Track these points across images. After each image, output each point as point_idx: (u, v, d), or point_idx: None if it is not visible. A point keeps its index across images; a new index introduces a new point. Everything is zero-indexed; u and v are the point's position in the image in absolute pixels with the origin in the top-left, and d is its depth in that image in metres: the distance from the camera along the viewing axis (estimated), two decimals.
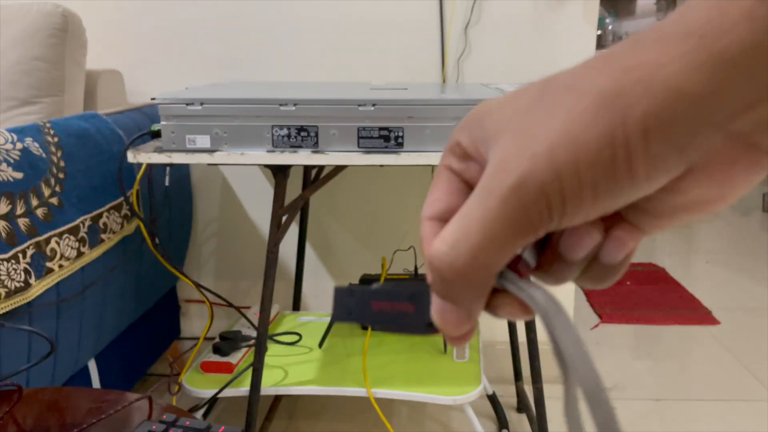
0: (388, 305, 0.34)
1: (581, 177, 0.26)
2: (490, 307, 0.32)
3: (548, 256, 0.32)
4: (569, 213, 0.27)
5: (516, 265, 0.32)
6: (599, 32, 5.70)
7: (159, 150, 1.23)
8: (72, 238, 1.25)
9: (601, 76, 0.26)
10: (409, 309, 0.33)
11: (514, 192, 0.27)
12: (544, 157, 0.26)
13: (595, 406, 0.27)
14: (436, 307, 0.31)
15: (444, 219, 0.33)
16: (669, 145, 0.25)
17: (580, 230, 0.30)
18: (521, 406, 1.81)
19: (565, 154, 0.26)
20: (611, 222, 0.31)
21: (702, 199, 0.28)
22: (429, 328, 0.33)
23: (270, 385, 1.48)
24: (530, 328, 1.47)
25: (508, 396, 1.86)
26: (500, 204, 0.27)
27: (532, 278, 0.32)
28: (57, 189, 1.23)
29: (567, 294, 2.14)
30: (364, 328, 1.73)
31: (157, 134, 1.27)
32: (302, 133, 1.22)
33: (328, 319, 1.76)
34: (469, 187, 0.33)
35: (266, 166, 1.30)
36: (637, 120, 0.25)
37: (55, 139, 1.27)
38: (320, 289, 2.08)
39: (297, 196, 1.39)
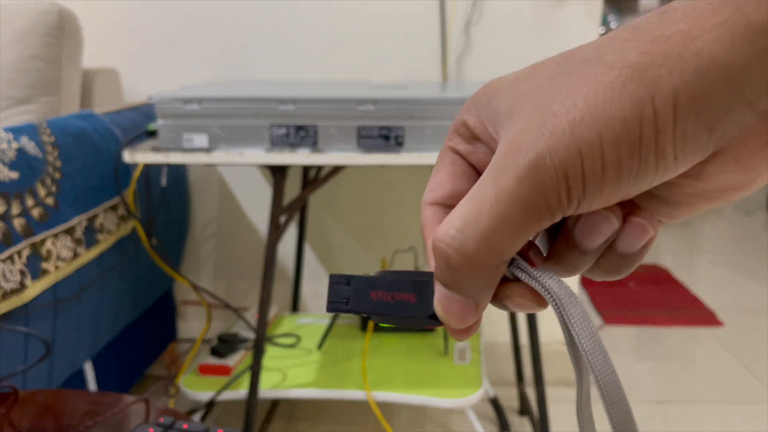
0: (387, 295, 0.31)
1: (604, 156, 0.24)
2: (498, 297, 0.30)
3: (561, 244, 0.30)
4: (589, 196, 0.25)
5: (527, 253, 0.30)
6: (602, 30, 5.73)
7: (156, 149, 1.22)
8: (68, 238, 1.24)
9: (628, 49, 0.24)
10: (410, 299, 0.31)
11: (530, 171, 0.25)
12: (564, 135, 0.24)
13: (611, 401, 0.26)
14: (440, 297, 0.30)
15: (447, 205, 0.31)
16: (700, 123, 0.24)
17: (598, 216, 0.28)
18: (523, 409, 1.80)
19: (588, 131, 0.24)
20: (628, 210, 0.29)
21: (725, 186, 0.26)
22: (431, 320, 0.31)
23: (268, 388, 1.48)
24: (532, 329, 1.46)
25: (509, 399, 1.85)
26: (515, 184, 0.25)
27: (544, 267, 0.30)
28: (53, 189, 1.22)
29: None
30: (365, 321, 1.72)
31: (153, 133, 1.26)
32: (301, 133, 1.21)
33: (328, 320, 1.76)
34: (475, 171, 0.32)
35: (265, 165, 1.29)
36: (666, 95, 0.23)
37: (52, 139, 1.26)
38: (319, 291, 2.07)
39: (296, 196, 1.38)
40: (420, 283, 0.31)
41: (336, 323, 1.76)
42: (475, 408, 1.52)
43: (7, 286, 1.07)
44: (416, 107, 1.20)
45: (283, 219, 1.34)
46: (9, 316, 1.08)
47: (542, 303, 0.29)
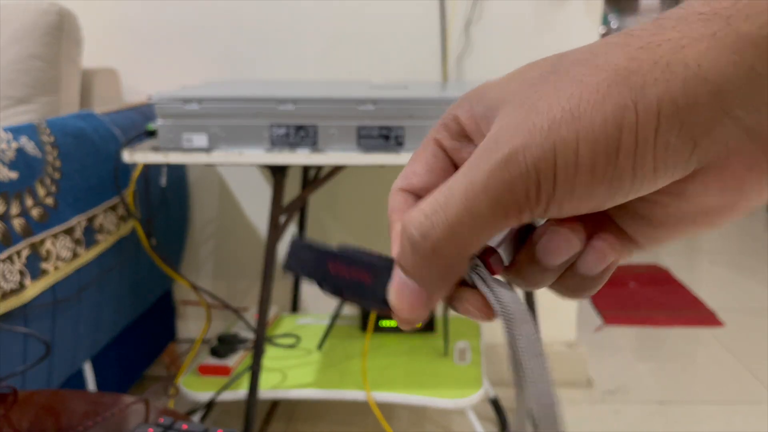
0: (345, 270, 0.31)
1: (579, 157, 0.23)
2: (451, 298, 0.30)
3: (523, 256, 0.30)
4: (559, 196, 0.25)
5: (488, 259, 0.30)
6: (602, 30, 5.73)
7: (155, 149, 1.22)
8: (67, 238, 1.24)
9: (618, 53, 0.24)
10: (366, 279, 0.31)
11: (503, 165, 0.24)
12: (542, 131, 0.24)
13: (546, 428, 0.25)
14: (396, 284, 0.29)
15: (419, 195, 0.31)
16: (682, 135, 0.23)
17: (561, 235, 0.28)
18: None
19: (566, 130, 0.23)
20: (598, 227, 0.29)
21: (709, 207, 0.26)
22: (382, 304, 0.30)
23: (268, 388, 1.48)
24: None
25: (510, 399, 1.85)
26: (486, 177, 0.25)
27: (503, 278, 0.30)
28: (52, 189, 1.22)
29: None
30: (364, 321, 1.72)
31: (153, 133, 1.26)
32: (301, 132, 1.21)
33: (328, 321, 1.75)
34: (454, 168, 0.31)
35: (264, 165, 1.29)
36: (650, 102, 0.23)
37: (51, 139, 1.26)
38: (319, 291, 2.06)
39: (296, 196, 1.38)
40: (379, 267, 0.31)
41: (336, 324, 1.76)
42: (476, 408, 1.52)
43: (7, 287, 1.06)
44: (416, 107, 1.20)
45: (283, 219, 1.34)
46: (8, 316, 1.08)
47: (490, 315, 0.29)
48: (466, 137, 0.30)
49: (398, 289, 0.29)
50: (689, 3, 0.24)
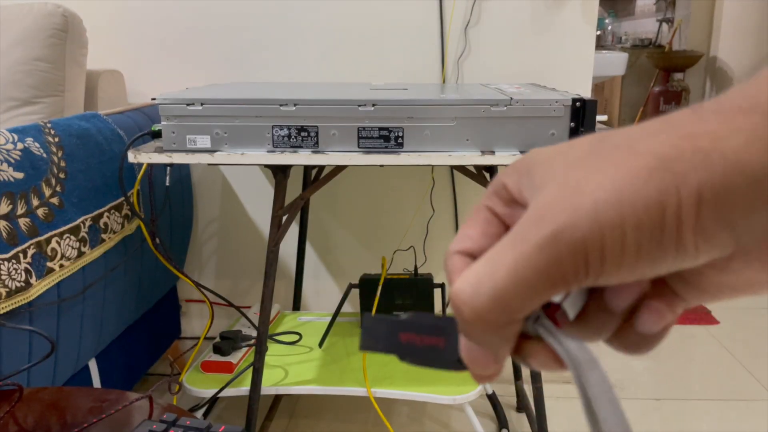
0: (416, 338, 0.33)
1: (625, 238, 0.25)
2: (521, 353, 0.31)
3: (590, 305, 0.31)
4: (606, 273, 0.26)
5: (554, 315, 0.31)
6: (598, 32, 5.71)
7: (159, 150, 1.23)
8: (73, 238, 1.25)
9: (659, 140, 0.25)
10: (438, 343, 0.32)
11: (551, 241, 0.25)
12: (588, 211, 0.25)
13: None
14: (464, 346, 0.31)
15: (473, 256, 0.32)
16: (721, 221, 0.24)
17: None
18: (521, 406, 1.81)
19: (612, 211, 0.24)
20: (655, 286, 0.30)
21: (751, 281, 0.27)
22: (458, 364, 0.32)
23: (270, 385, 1.48)
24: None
25: (507, 395, 1.86)
26: (534, 251, 0.26)
27: (567, 329, 0.30)
28: (58, 189, 1.23)
29: None
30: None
31: (157, 134, 1.27)
32: (302, 133, 1.22)
33: (328, 318, 1.77)
34: (506, 232, 0.32)
35: (266, 166, 1.30)
36: (691, 189, 0.24)
37: (56, 139, 1.27)
38: (320, 289, 2.08)
39: (297, 196, 1.39)
40: (448, 329, 0.32)
41: (337, 321, 1.77)
42: (474, 404, 1.53)
43: (13, 285, 1.07)
44: (416, 108, 1.21)
45: (284, 218, 1.35)
46: (14, 314, 1.09)
47: (561, 365, 0.30)
48: (515, 203, 0.31)
49: (466, 352, 0.30)
50: (729, 96, 0.25)
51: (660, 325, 0.30)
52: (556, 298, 0.30)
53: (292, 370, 1.56)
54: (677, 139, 0.25)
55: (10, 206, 1.10)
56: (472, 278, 0.28)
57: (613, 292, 0.29)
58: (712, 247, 0.25)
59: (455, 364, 0.32)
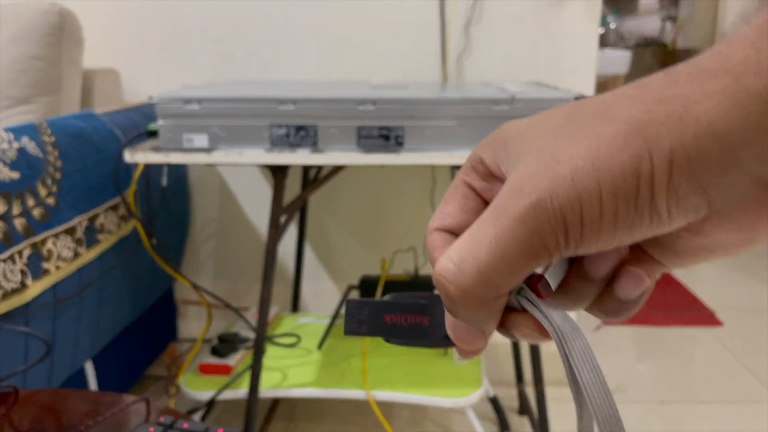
0: (401, 318, 0.33)
1: (603, 205, 0.25)
2: (506, 327, 0.31)
3: (572, 272, 0.31)
4: (586, 241, 0.26)
5: (536, 285, 0.31)
6: (601, 30, 5.72)
7: (156, 149, 1.22)
8: (69, 238, 1.24)
9: (633, 105, 0.25)
10: (423, 322, 0.32)
11: (531, 213, 0.26)
12: (566, 180, 0.25)
13: None
14: (449, 325, 0.31)
15: (454, 233, 0.32)
16: (693, 184, 0.24)
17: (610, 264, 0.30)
18: (523, 409, 1.80)
19: (588, 179, 0.25)
20: (633, 253, 0.30)
21: (725, 243, 0.27)
22: (445, 341, 0.32)
23: (268, 388, 1.48)
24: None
25: (509, 398, 1.85)
26: (515, 224, 0.26)
27: (550, 300, 0.31)
28: (53, 189, 1.22)
29: None
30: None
31: (154, 133, 1.27)
32: (301, 133, 1.21)
33: (328, 320, 1.76)
34: (485, 207, 0.32)
35: (265, 165, 1.30)
36: (663, 153, 0.24)
37: (52, 139, 1.26)
38: (319, 291, 2.07)
39: (296, 196, 1.38)
40: (432, 307, 0.32)
41: (336, 323, 1.76)
42: (475, 408, 1.52)
43: (8, 286, 1.07)
44: (416, 107, 1.20)
45: (283, 219, 1.34)
46: (9, 315, 1.08)
47: (547, 335, 0.30)
48: (492, 178, 0.31)
49: (452, 329, 0.31)
50: (700, 59, 0.25)
51: (639, 290, 0.30)
52: (538, 270, 0.30)
53: (290, 372, 1.55)
54: (651, 104, 0.25)
55: (6, 206, 1.09)
56: (455, 256, 0.28)
57: (593, 260, 0.30)
58: (686, 210, 0.25)
59: (442, 341, 0.32)
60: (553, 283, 0.31)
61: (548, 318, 0.29)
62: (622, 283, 0.30)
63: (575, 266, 0.31)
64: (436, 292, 0.31)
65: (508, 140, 0.29)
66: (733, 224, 0.26)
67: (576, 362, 0.27)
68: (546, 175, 0.26)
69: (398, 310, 0.33)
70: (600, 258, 0.30)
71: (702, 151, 0.24)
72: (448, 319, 0.31)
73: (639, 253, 0.30)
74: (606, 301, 0.31)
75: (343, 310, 1.74)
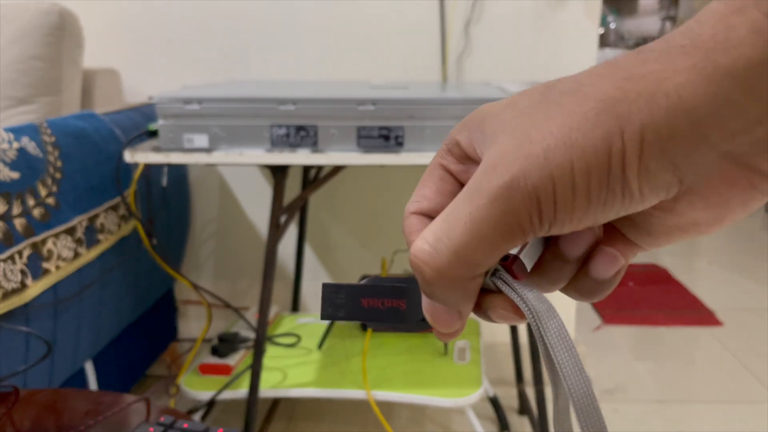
0: (378, 302, 0.33)
1: (575, 183, 0.25)
2: (482, 308, 0.31)
3: (547, 252, 0.32)
4: (560, 219, 0.26)
5: (511, 267, 0.31)
6: (601, 30, 5.72)
7: (156, 149, 1.22)
8: (69, 238, 1.24)
9: (604, 83, 0.25)
10: (400, 305, 0.32)
11: (504, 192, 0.26)
12: (538, 159, 0.25)
13: (585, 416, 0.26)
14: (426, 305, 0.31)
15: (430, 216, 0.32)
16: (664, 161, 0.25)
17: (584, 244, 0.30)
18: (523, 409, 1.80)
19: (561, 157, 0.25)
20: (607, 233, 0.31)
21: (697, 220, 0.28)
22: (421, 324, 0.32)
23: (269, 387, 1.48)
24: (532, 330, 1.47)
25: (509, 398, 1.85)
26: (489, 203, 0.26)
27: (526, 281, 0.31)
28: (54, 189, 1.22)
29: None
30: (363, 327, 1.72)
31: (154, 134, 1.27)
32: (301, 133, 1.21)
33: (328, 320, 1.76)
34: (461, 189, 0.32)
35: (265, 165, 1.30)
36: (634, 130, 0.24)
37: (52, 139, 1.26)
38: (319, 290, 2.06)
39: (296, 196, 1.38)
40: (408, 290, 0.32)
41: (336, 323, 1.76)
42: (475, 407, 1.52)
43: (8, 286, 1.07)
44: (416, 107, 1.20)
45: (283, 219, 1.34)
46: (10, 315, 1.08)
47: (523, 315, 0.30)
48: (468, 160, 0.31)
49: (429, 311, 0.31)
50: (671, 36, 0.25)
51: (613, 270, 0.31)
52: (513, 251, 0.30)
53: (290, 372, 1.55)
54: (622, 81, 0.25)
55: (6, 206, 1.09)
56: (430, 237, 0.28)
57: (568, 240, 0.30)
58: (657, 187, 0.25)
59: (419, 324, 0.32)
60: (528, 264, 0.31)
61: (523, 298, 0.29)
62: (597, 263, 0.30)
63: (550, 247, 0.31)
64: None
65: (483, 121, 0.30)
66: (705, 201, 0.26)
67: (551, 342, 0.27)
68: (519, 153, 0.26)
69: (375, 294, 0.33)
70: (575, 238, 0.30)
71: (672, 128, 0.24)
72: (425, 302, 0.31)
73: (613, 234, 0.30)
74: (581, 281, 0.31)
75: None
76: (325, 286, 0.34)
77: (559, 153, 0.25)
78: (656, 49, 0.25)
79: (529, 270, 0.31)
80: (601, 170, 0.25)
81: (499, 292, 0.31)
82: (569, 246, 0.30)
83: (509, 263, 0.31)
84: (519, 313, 0.30)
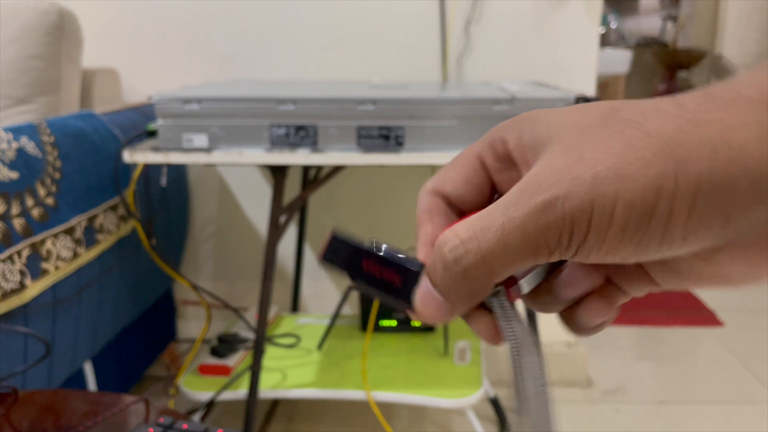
0: (377, 269, 0.33)
1: (614, 214, 0.25)
2: (468, 315, 0.32)
3: (543, 284, 0.32)
4: (588, 246, 0.26)
5: (509, 287, 0.31)
6: (602, 30, 5.72)
7: (155, 149, 1.22)
8: (68, 238, 1.24)
9: (668, 122, 0.25)
10: (396, 281, 0.32)
11: (541, 210, 0.26)
12: (584, 183, 0.25)
13: None
14: (423, 292, 0.31)
15: (447, 200, 0.32)
16: (716, 213, 0.24)
17: (579, 272, 0.31)
18: None
19: (607, 186, 0.25)
20: (603, 284, 0.31)
21: (731, 274, 0.27)
22: (407, 306, 0.32)
23: (268, 388, 1.48)
24: (532, 330, 1.46)
25: (509, 399, 1.85)
26: (524, 217, 0.26)
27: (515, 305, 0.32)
28: (53, 189, 1.22)
29: None
30: (364, 321, 1.72)
31: (153, 133, 1.26)
32: (301, 132, 1.21)
33: (327, 321, 1.76)
34: (490, 186, 0.32)
35: (264, 165, 1.29)
36: (690, 178, 0.24)
37: (51, 139, 1.26)
38: (319, 291, 2.07)
39: (296, 196, 1.38)
40: (409, 271, 0.32)
41: (336, 324, 1.76)
42: (475, 408, 1.52)
43: (7, 286, 1.07)
44: (416, 107, 1.20)
45: (282, 219, 1.34)
46: (9, 316, 1.08)
47: (497, 340, 0.31)
48: (508, 160, 0.31)
49: (424, 297, 0.31)
50: (741, 85, 0.25)
51: (599, 320, 0.31)
52: (517, 272, 0.31)
53: (290, 373, 1.55)
54: (686, 124, 0.25)
55: (5, 206, 1.09)
56: (463, 234, 0.28)
57: (565, 282, 0.31)
58: (703, 237, 0.25)
59: (405, 305, 0.32)
60: (526, 289, 0.32)
61: (511, 328, 0.29)
62: (584, 312, 0.31)
63: (548, 280, 0.32)
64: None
65: (537, 125, 0.29)
66: (746, 257, 0.26)
67: (526, 377, 0.28)
68: (567, 174, 0.26)
69: (376, 261, 0.33)
70: (571, 283, 0.31)
71: (731, 181, 0.23)
72: (423, 288, 0.31)
73: (607, 286, 0.31)
74: (569, 318, 0.32)
75: (340, 312, 1.74)
76: (335, 234, 0.34)
77: (607, 182, 0.25)
78: (726, 98, 0.25)
79: (524, 294, 0.32)
80: (645, 209, 0.24)
81: (488, 309, 0.31)
82: (564, 289, 0.31)
83: (507, 284, 0.31)
84: (494, 337, 0.31)
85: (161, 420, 0.71)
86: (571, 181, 0.25)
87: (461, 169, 0.32)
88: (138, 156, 1.22)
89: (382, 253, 0.33)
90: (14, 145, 1.16)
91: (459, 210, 0.32)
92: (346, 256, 0.33)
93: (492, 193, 0.32)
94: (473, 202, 0.32)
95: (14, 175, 1.13)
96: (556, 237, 0.26)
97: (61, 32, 1.50)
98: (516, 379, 0.28)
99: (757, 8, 4.12)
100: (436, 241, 0.30)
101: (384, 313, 1.71)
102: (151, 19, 1.88)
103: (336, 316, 1.71)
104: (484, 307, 0.31)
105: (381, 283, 0.33)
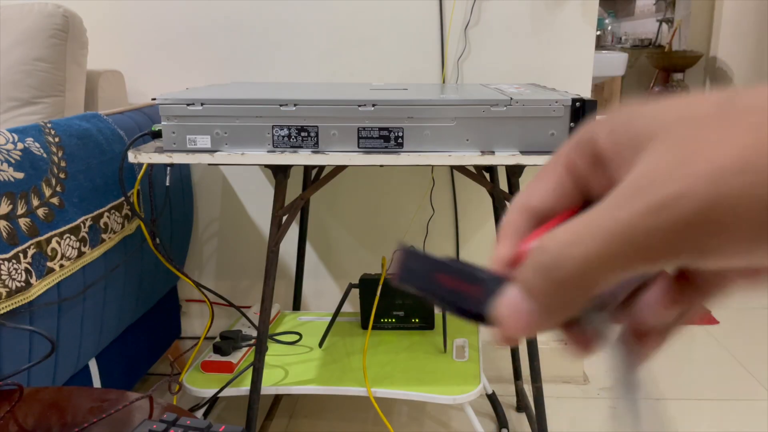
0: (451, 281, 0.31)
1: (741, 213, 0.21)
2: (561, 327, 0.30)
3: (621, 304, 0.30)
4: (706, 252, 0.23)
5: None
6: (598, 33, 5.71)
7: (160, 150, 1.23)
8: (73, 237, 1.25)
9: None
10: (472, 292, 0.30)
11: (655, 210, 0.23)
12: (705, 181, 0.22)
13: None
14: (512, 302, 0.28)
15: (537, 216, 0.30)
16: None
17: (664, 299, 0.29)
18: (521, 406, 1.81)
19: (734, 181, 0.21)
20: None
21: None
22: (481, 319, 0.31)
23: (270, 385, 1.49)
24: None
25: (507, 395, 1.86)
26: (634, 219, 0.23)
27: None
28: (58, 189, 1.24)
29: None
30: (365, 319, 1.73)
31: (157, 134, 1.28)
32: (302, 134, 1.22)
33: (328, 318, 1.77)
34: (580, 193, 0.29)
35: (266, 166, 1.31)
36: None
37: (56, 139, 1.27)
38: (320, 289, 2.08)
39: (297, 196, 1.39)
40: (489, 283, 0.30)
41: (337, 321, 1.77)
42: (474, 404, 1.53)
43: (13, 285, 1.08)
44: (416, 109, 1.21)
45: (284, 218, 1.35)
46: (14, 314, 1.09)
47: (588, 353, 0.29)
48: (598, 163, 0.28)
49: (513, 307, 0.28)
50: None
51: (660, 315, 0.30)
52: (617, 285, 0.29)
53: (292, 370, 1.56)
54: None
55: (10, 206, 1.10)
56: (567, 239, 0.26)
57: (642, 306, 0.29)
58: None
59: (479, 317, 0.31)
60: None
61: (622, 363, 0.28)
62: (644, 303, 0.30)
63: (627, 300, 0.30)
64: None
65: (634, 120, 0.26)
66: None
67: (642, 412, 0.27)
68: (681, 171, 0.23)
69: (452, 273, 0.31)
70: (651, 309, 0.29)
71: None
72: (511, 299, 0.28)
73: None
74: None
75: (341, 310, 1.75)
76: (406, 250, 0.32)
77: (733, 177, 0.21)
78: None
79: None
80: None
81: (580, 326, 0.29)
82: (642, 312, 0.29)
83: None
84: (587, 352, 0.29)
85: (165, 416, 0.72)
86: (687, 179, 0.22)
87: (548, 180, 0.30)
88: (142, 156, 1.23)
89: (459, 266, 0.31)
90: (20, 145, 1.17)
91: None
92: (420, 272, 0.32)
93: (582, 200, 0.29)
94: (564, 212, 0.29)
95: (20, 175, 1.14)
96: (668, 244, 0.23)
97: (66, 34, 1.51)
98: (631, 414, 0.27)
99: (752, 11, 4.11)
100: (531, 247, 0.27)
101: (384, 311, 1.72)
102: (156, 22, 1.89)
103: (337, 313, 1.72)
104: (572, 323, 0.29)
105: (456, 296, 0.31)
